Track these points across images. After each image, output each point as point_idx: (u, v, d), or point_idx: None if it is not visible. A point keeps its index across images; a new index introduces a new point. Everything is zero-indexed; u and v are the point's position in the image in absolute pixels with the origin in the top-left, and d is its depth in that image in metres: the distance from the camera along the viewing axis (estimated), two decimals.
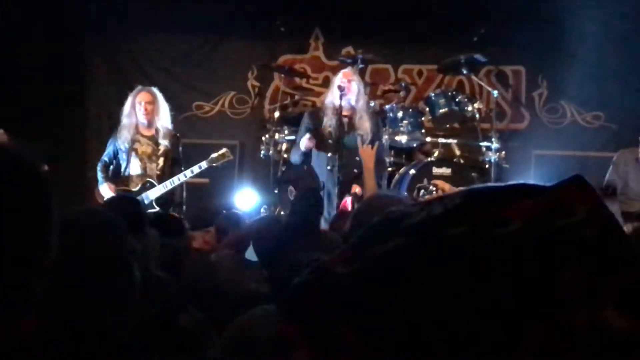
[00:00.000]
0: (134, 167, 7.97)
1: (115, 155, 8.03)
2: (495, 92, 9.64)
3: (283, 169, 9.64)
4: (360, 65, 9.61)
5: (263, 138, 9.88)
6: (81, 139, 10.86)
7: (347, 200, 6.85)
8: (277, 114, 10.06)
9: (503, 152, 9.26)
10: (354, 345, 1.05)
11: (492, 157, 9.15)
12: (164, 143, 7.97)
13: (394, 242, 1.10)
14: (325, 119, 7.75)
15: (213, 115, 11.20)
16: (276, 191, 9.53)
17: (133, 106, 7.98)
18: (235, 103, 11.19)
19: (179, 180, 7.88)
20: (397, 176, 9.22)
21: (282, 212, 9.15)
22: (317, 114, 7.96)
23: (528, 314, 1.02)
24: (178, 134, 8.28)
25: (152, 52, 11.15)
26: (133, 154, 7.95)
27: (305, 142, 7.87)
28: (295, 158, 8.31)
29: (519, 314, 1.02)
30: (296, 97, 10.49)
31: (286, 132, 9.64)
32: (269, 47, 10.99)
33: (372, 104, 9.09)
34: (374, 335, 1.05)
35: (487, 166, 9.30)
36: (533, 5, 9.78)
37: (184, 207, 8.22)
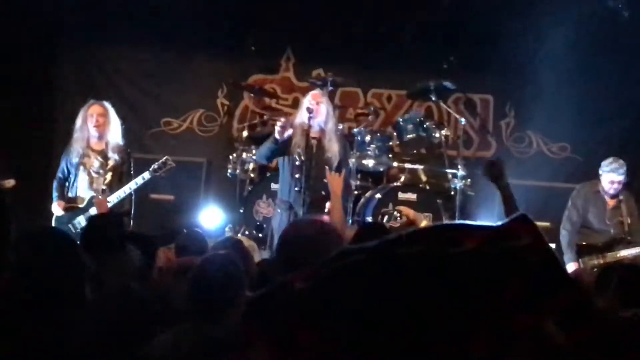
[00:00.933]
0: (82, 182, 7.90)
1: (68, 171, 7.98)
2: (463, 120, 9.70)
3: (250, 189, 9.62)
4: (330, 88, 9.63)
5: (230, 157, 9.83)
6: (49, 153, 10.71)
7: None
8: (245, 133, 10.06)
9: (469, 180, 9.28)
10: (310, 343, 1.19)
11: (458, 184, 9.16)
12: (113, 157, 7.91)
13: (351, 259, 1.25)
14: (293, 140, 7.71)
15: (181, 132, 11.14)
16: (242, 210, 9.52)
17: (85, 119, 7.92)
18: (204, 121, 11.14)
19: (124, 193, 7.81)
20: (362, 200, 9.24)
21: (246, 232, 9.11)
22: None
23: (478, 317, 1.18)
24: (129, 150, 8.20)
25: (124, 65, 11.08)
26: (81, 168, 7.89)
27: (280, 128, 7.60)
28: (261, 153, 7.94)
29: (469, 318, 1.18)
30: (265, 117, 10.45)
31: (254, 151, 9.58)
32: (239, 66, 10.98)
33: (340, 126, 9.08)
34: (330, 337, 1.19)
35: (452, 193, 9.31)
36: (503, 35, 9.84)
37: (131, 219, 8.11)
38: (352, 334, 1.17)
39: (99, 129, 7.89)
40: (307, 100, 7.83)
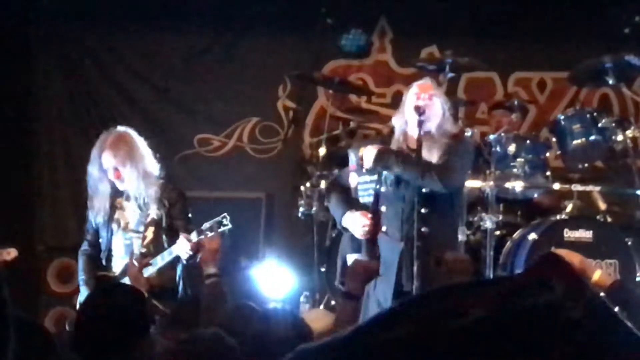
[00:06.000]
0: (117, 245, 8.07)
1: (97, 232, 8.15)
2: None
3: (334, 235, 9.53)
4: (450, 74, 9.55)
5: (302, 188, 9.86)
6: (27, 181, 10.87)
7: None
8: (322, 151, 9.97)
9: None
10: None
11: None
12: (153, 205, 7.94)
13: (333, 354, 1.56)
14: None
15: (225, 153, 11.30)
16: (323, 269, 9.51)
17: (101, 169, 7.99)
18: (259, 135, 11.28)
19: (163, 260, 7.73)
20: (509, 244, 9.16)
21: (332, 302, 9.03)
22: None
23: None
24: (179, 188, 8.32)
25: (131, 57, 11.26)
26: (114, 226, 8.05)
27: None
28: (335, 213, 7.78)
29: None
30: (352, 124, 10.43)
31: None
32: (309, 48, 11.08)
33: (468, 132, 8.94)
34: None
35: None
36: None
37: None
38: None
39: (125, 184, 7.98)
40: (413, 95, 7.64)
